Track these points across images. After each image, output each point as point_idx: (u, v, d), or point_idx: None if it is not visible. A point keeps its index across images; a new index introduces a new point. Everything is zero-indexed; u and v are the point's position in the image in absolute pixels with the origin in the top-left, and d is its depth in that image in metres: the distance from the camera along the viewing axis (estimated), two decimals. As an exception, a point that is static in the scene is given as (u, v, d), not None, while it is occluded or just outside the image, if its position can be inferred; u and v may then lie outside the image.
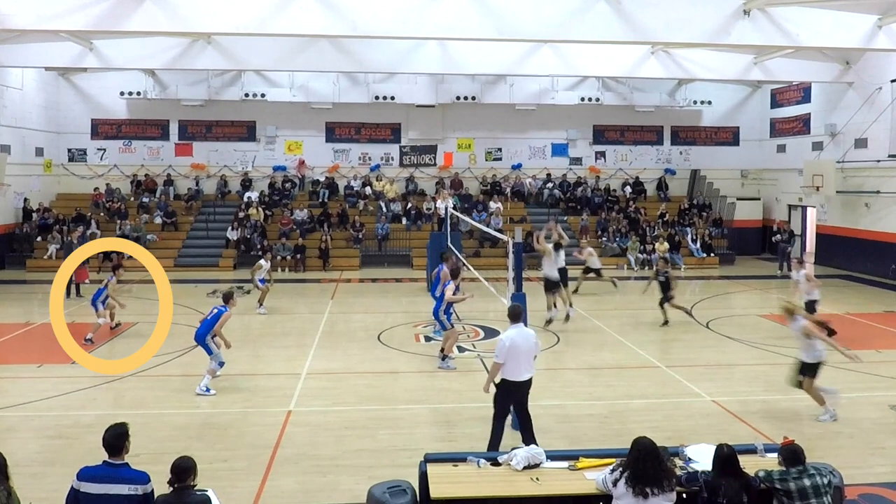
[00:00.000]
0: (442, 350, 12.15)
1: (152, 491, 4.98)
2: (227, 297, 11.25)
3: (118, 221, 24.96)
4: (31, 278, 21.62)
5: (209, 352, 10.82)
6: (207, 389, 10.53)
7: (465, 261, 18.55)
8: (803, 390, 9.51)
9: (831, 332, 13.54)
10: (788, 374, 9.80)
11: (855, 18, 15.99)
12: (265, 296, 17.01)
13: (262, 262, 17.19)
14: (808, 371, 9.48)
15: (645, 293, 16.47)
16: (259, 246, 24.14)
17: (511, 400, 7.79)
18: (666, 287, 15.39)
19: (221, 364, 10.86)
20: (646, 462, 5.13)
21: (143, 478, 4.97)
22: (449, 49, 19.93)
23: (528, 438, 7.69)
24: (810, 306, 13.98)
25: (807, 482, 5.25)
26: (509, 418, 8.06)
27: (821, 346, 9.45)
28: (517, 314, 7.88)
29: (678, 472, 5.54)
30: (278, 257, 23.73)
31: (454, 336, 12.34)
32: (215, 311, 10.99)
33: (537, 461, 6.01)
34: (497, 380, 7.78)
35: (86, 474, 4.97)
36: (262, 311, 16.67)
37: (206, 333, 10.82)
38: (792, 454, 5.42)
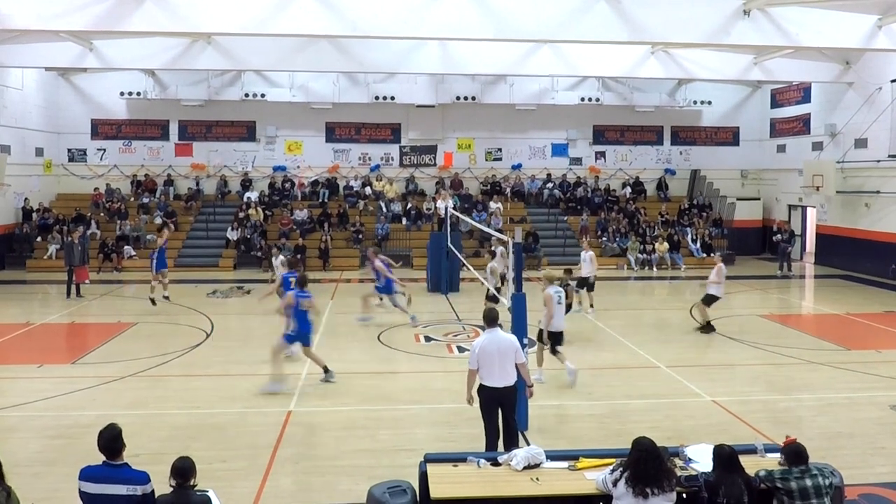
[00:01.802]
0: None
1: (152, 491, 4.97)
2: (303, 282, 11.08)
3: (118, 222, 24.97)
4: (31, 278, 21.62)
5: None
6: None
7: (465, 261, 18.59)
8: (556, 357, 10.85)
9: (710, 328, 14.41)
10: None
11: (855, 18, 15.99)
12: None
13: (274, 260, 17.16)
14: (550, 340, 10.95)
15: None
16: (259, 246, 24.18)
17: (493, 405, 7.60)
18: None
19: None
20: (646, 462, 5.12)
21: (142, 478, 4.98)
22: (449, 49, 19.94)
23: (510, 445, 7.45)
24: (710, 299, 14.60)
25: (808, 482, 5.24)
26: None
27: (559, 319, 10.89)
28: (491, 318, 7.72)
29: (678, 472, 5.53)
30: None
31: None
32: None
33: (537, 461, 6.00)
34: (476, 386, 7.68)
35: (86, 474, 4.98)
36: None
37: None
38: (795, 454, 5.39)
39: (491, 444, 7.57)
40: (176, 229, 25.45)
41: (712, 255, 25.31)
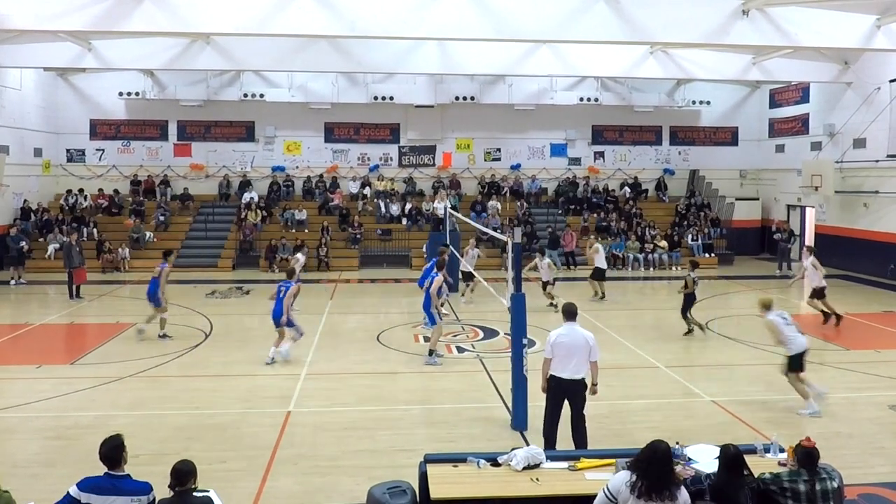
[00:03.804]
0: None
1: (154, 499, 4.98)
2: (291, 273, 12.76)
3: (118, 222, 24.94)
4: (30, 279, 21.58)
5: (290, 324, 12.28)
6: (287, 354, 12.14)
7: (464, 261, 18.58)
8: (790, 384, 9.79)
9: (839, 319, 15.14)
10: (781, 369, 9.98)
11: (853, 18, 15.99)
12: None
13: (299, 255, 17.09)
14: (791, 365, 9.73)
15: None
16: (260, 248, 24.22)
17: (558, 396, 7.87)
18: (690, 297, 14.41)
19: (301, 334, 12.61)
20: (659, 466, 4.86)
21: (145, 489, 4.98)
22: (448, 49, 19.93)
23: (578, 441, 7.78)
24: (820, 293, 15.33)
25: (817, 486, 5.18)
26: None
27: (800, 337, 9.70)
28: (570, 312, 7.99)
29: (683, 473, 5.41)
30: (279, 258, 23.79)
31: (439, 331, 12.55)
32: (283, 289, 12.22)
33: (537, 461, 6.01)
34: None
35: (88, 485, 4.94)
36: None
37: (281, 311, 12.07)
38: (807, 456, 5.30)
39: (547, 429, 7.82)
40: (166, 229, 25.43)
41: (710, 255, 25.55)
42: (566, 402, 7.93)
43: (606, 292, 18.31)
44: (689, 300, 14.35)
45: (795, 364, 9.67)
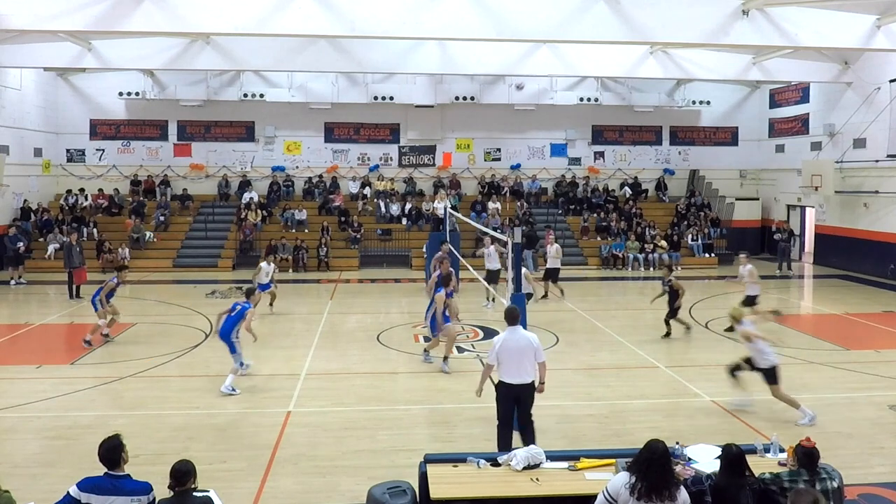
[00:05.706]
0: (441, 354, 12.23)
1: (154, 499, 4.98)
2: (249, 293, 11.66)
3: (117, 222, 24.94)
4: (30, 279, 21.59)
5: (233, 350, 10.78)
6: (233, 389, 10.47)
7: (464, 261, 18.59)
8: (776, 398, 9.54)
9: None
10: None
11: (853, 18, 16.01)
12: (272, 298, 16.46)
13: (262, 264, 16.78)
14: (767, 378, 9.50)
15: (652, 303, 15.39)
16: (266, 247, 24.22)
17: (510, 403, 7.73)
18: (673, 297, 14.36)
19: (242, 364, 10.89)
20: (658, 466, 4.86)
21: (145, 488, 4.98)
22: (448, 49, 19.94)
23: (527, 440, 7.65)
24: (751, 301, 14.68)
25: (818, 486, 5.18)
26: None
27: (769, 349, 9.55)
28: (512, 316, 7.88)
29: (683, 473, 5.42)
30: (279, 258, 23.75)
31: (452, 338, 12.26)
32: (238, 307, 10.95)
33: (537, 461, 6.01)
34: (495, 381, 7.80)
35: (88, 485, 4.94)
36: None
37: (230, 331, 10.79)
38: (808, 456, 5.31)
39: (503, 444, 7.59)
40: (166, 229, 25.45)
41: (710, 255, 25.54)
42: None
43: (566, 291, 18.73)
44: (671, 303, 14.26)
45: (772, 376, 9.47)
